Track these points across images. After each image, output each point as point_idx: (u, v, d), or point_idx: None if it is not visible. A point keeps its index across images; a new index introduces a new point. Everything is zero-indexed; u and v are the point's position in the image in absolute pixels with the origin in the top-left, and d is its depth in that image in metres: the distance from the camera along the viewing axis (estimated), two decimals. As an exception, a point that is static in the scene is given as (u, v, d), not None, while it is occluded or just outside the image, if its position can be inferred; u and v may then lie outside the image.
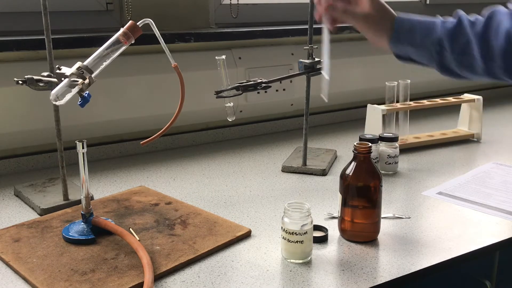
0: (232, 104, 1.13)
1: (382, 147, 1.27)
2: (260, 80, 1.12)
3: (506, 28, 0.82)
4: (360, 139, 1.21)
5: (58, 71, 0.90)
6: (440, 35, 0.89)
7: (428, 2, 2.04)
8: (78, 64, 0.89)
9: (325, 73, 0.97)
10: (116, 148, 1.39)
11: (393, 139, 1.28)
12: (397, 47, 0.93)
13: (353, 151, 0.93)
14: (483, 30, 0.85)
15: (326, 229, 0.95)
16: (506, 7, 0.86)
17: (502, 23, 0.82)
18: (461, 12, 0.90)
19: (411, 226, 0.99)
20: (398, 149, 1.28)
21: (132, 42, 0.93)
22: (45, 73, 0.97)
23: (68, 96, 0.87)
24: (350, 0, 0.95)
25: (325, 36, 0.97)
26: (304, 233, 0.84)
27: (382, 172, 1.25)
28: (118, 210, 1.04)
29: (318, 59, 1.19)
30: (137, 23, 0.93)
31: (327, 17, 0.95)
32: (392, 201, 1.11)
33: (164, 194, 1.13)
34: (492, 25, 0.84)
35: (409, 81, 1.44)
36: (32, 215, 1.04)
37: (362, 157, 0.92)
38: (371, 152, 0.92)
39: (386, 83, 1.41)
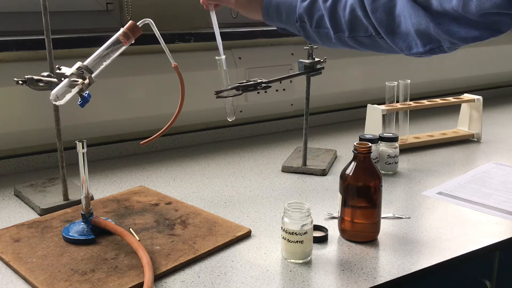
0: (231, 99, 1.13)
1: (382, 147, 1.27)
2: (260, 80, 1.12)
3: (350, 2, 0.93)
4: (360, 139, 1.21)
5: (58, 71, 0.90)
6: (300, 12, 1.01)
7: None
8: (78, 64, 0.89)
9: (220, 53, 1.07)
10: (116, 148, 1.39)
11: (393, 139, 1.28)
12: (271, 23, 1.08)
13: (353, 151, 0.93)
14: (332, 4, 0.96)
15: (326, 229, 0.95)
16: None
17: None
18: None
19: (411, 226, 0.99)
20: (398, 149, 1.28)
21: (132, 42, 0.93)
22: (45, 73, 0.97)
23: (68, 96, 0.87)
24: None
25: (213, 18, 1.12)
26: (304, 233, 0.84)
27: (382, 172, 1.25)
28: (118, 210, 1.04)
29: (318, 59, 1.19)
30: (137, 23, 0.93)
31: (205, 2, 1.12)
32: (392, 201, 1.11)
33: (164, 194, 1.13)
34: (341, 0, 0.95)
35: (409, 81, 1.44)
36: (32, 215, 1.04)
37: (362, 157, 0.92)
38: (371, 152, 0.92)
39: (386, 83, 1.41)
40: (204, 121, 1.52)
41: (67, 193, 1.09)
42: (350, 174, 0.92)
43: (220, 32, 1.47)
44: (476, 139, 1.53)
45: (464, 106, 1.56)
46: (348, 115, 1.77)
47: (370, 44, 0.95)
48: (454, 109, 1.59)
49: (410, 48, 0.89)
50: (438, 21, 0.83)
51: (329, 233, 0.95)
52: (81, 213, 0.93)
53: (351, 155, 0.94)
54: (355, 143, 0.93)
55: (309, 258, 0.87)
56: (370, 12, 0.90)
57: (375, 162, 1.15)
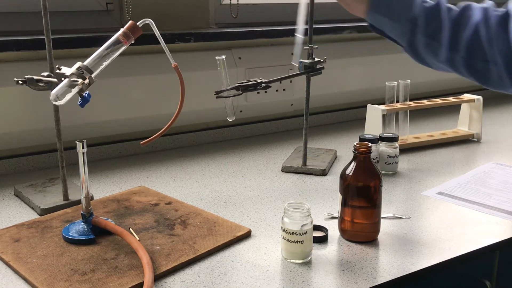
0: (231, 99, 1.13)
1: (382, 147, 1.27)
2: (260, 80, 1.12)
3: (476, 21, 0.81)
4: (360, 139, 1.21)
5: (58, 71, 0.90)
6: (417, 13, 0.87)
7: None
8: (78, 64, 0.89)
9: (299, 34, 0.98)
10: (116, 148, 1.39)
11: (393, 139, 1.28)
12: (374, 16, 0.91)
13: (353, 151, 0.93)
14: (457, 18, 0.84)
15: (326, 229, 0.95)
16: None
17: (474, 16, 0.82)
18: None
19: (411, 226, 0.99)
20: (398, 149, 1.28)
21: (132, 42, 0.93)
22: (45, 73, 0.97)
23: (68, 96, 0.87)
24: None
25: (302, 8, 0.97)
26: (304, 233, 0.84)
27: (382, 172, 1.25)
28: (118, 210, 1.04)
29: (318, 59, 1.19)
30: (137, 23, 0.93)
31: None
32: (392, 201, 1.11)
33: (164, 194, 1.13)
34: (465, 16, 0.84)
35: (409, 81, 1.44)
36: (32, 215, 1.04)
37: (362, 157, 0.92)
38: (371, 152, 0.92)
39: (386, 83, 1.41)
40: (204, 121, 1.52)
41: (67, 193, 1.09)
42: (350, 174, 0.92)
43: (220, 32, 1.48)
44: (476, 139, 1.53)
45: (464, 106, 1.56)
46: (348, 115, 1.77)
47: (482, 73, 0.84)
48: (454, 109, 1.59)
49: None
50: None
51: (329, 233, 0.95)
52: (81, 213, 0.93)
53: (351, 155, 0.94)
54: (355, 143, 0.93)
55: (309, 258, 0.87)
56: (494, 39, 0.79)
57: (375, 162, 1.15)
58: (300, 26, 0.95)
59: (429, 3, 0.87)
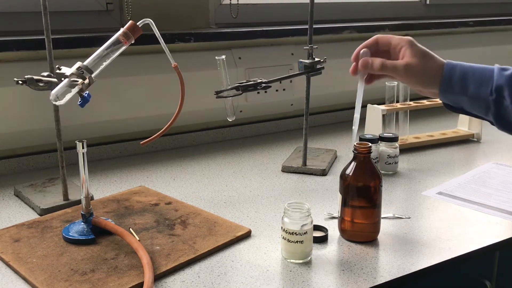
0: (231, 99, 1.13)
1: (382, 147, 1.27)
2: (260, 80, 1.12)
3: None
4: (360, 139, 1.21)
5: (58, 71, 0.90)
6: (498, 83, 0.80)
7: (428, 2, 2.04)
8: (78, 64, 0.89)
9: (355, 126, 0.91)
10: (116, 148, 1.39)
11: (393, 139, 1.28)
12: (448, 97, 0.85)
13: (353, 151, 0.93)
14: None
15: (326, 229, 0.95)
16: None
17: None
18: None
19: (411, 226, 0.99)
20: (398, 149, 1.28)
21: (132, 42, 0.93)
22: (45, 73, 0.97)
23: (68, 96, 0.87)
24: (389, 52, 0.88)
25: (360, 92, 0.92)
26: (304, 233, 0.84)
27: (382, 172, 1.25)
28: (118, 210, 1.04)
29: (318, 59, 1.19)
30: (137, 23, 0.93)
31: (363, 75, 0.90)
32: (392, 201, 1.11)
33: (164, 194, 1.13)
34: None
35: (409, 81, 1.44)
36: (32, 215, 1.04)
37: (362, 157, 0.92)
38: (371, 152, 0.92)
39: (386, 83, 1.41)
40: (204, 121, 1.52)
41: (67, 193, 1.09)
42: (350, 174, 0.92)
43: (220, 32, 1.48)
44: (476, 139, 1.53)
45: (464, 106, 1.55)
46: (348, 115, 1.77)
47: None
48: (454, 109, 1.59)
49: None
50: None
51: (329, 233, 0.95)
52: (81, 213, 0.93)
53: (351, 155, 0.94)
54: (355, 143, 0.93)
55: (309, 258, 0.87)
56: None
57: (375, 162, 1.16)
58: (357, 115, 0.91)
59: (510, 70, 0.82)
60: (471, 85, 0.82)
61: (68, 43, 1.27)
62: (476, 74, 0.83)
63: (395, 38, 0.88)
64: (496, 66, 0.84)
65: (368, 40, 0.90)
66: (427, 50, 0.87)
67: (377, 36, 0.90)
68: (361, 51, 0.90)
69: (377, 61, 0.87)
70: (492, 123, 0.87)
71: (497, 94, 0.80)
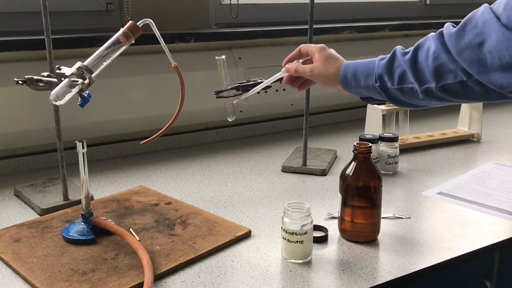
0: (231, 99, 1.13)
1: (382, 147, 1.27)
2: (260, 80, 1.12)
3: (433, 50, 0.84)
4: (360, 139, 1.21)
5: (58, 71, 0.90)
6: (379, 72, 0.92)
7: (428, 2, 2.04)
8: (78, 64, 0.89)
9: (245, 94, 1.07)
10: (116, 148, 1.39)
11: (393, 139, 1.28)
12: (350, 92, 0.98)
13: (353, 151, 0.93)
14: (413, 55, 0.87)
15: (326, 229, 0.95)
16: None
17: (431, 46, 0.85)
18: (397, 47, 0.93)
19: (411, 226, 0.99)
20: (398, 149, 1.28)
21: (132, 42, 0.93)
22: (45, 73, 0.97)
23: (68, 96, 0.87)
24: (309, 59, 1.02)
25: (273, 77, 1.06)
26: (304, 233, 0.84)
27: (382, 172, 1.25)
28: (118, 210, 1.04)
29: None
30: (137, 23, 0.93)
31: (286, 79, 1.05)
32: (392, 201, 1.11)
33: (164, 194, 1.13)
34: (422, 50, 0.87)
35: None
36: (32, 215, 1.04)
37: (362, 157, 0.92)
38: (371, 152, 0.92)
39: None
40: (204, 121, 1.52)
41: (67, 193, 1.09)
42: (350, 174, 0.92)
43: (220, 32, 1.48)
44: (476, 139, 1.53)
45: (464, 106, 1.56)
46: (348, 115, 1.77)
47: (462, 92, 0.84)
48: (454, 109, 1.59)
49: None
50: None
51: (329, 233, 0.95)
52: (81, 213, 0.93)
53: (351, 155, 0.94)
54: (355, 143, 0.93)
55: (309, 258, 0.87)
56: (456, 54, 0.80)
57: (375, 162, 1.16)
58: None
59: (386, 57, 0.92)
60: (361, 79, 0.95)
61: (68, 43, 1.27)
62: (363, 68, 0.95)
63: (311, 46, 1.01)
64: (378, 57, 0.94)
65: (294, 51, 1.04)
66: (333, 54, 1.00)
67: (300, 46, 1.04)
68: (291, 55, 1.05)
69: (293, 66, 1.02)
70: (394, 105, 0.97)
71: (380, 81, 0.92)
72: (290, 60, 1.04)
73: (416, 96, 0.89)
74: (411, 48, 0.89)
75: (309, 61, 1.02)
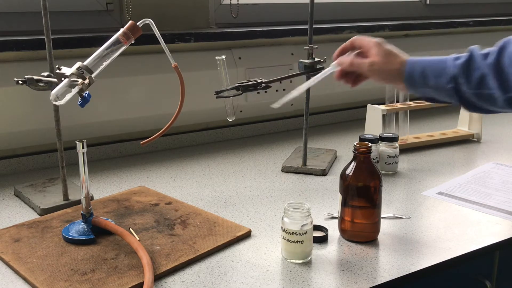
0: (231, 99, 1.13)
1: (382, 147, 1.27)
2: (260, 80, 1.12)
3: None
4: (360, 139, 1.21)
5: (58, 71, 0.90)
6: (453, 73, 0.86)
7: (428, 2, 2.04)
8: (78, 64, 0.89)
9: (295, 91, 1.00)
10: (116, 148, 1.39)
11: (393, 139, 1.28)
12: (414, 90, 0.92)
13: (353, 151, 0.93)
14: (496, 60, 0.82)
15: (326, 229, 0.95)
16: None
17: None
18: (473, 47, 0.88)
19: (411, 226, 0.99)
20: (398, 149, 1.28)
21: (132, 42, 0.93)
22: (45, 73, 0.97)
23: (68, 96, 0.87)
24: (362, 52, 0.95)
25: (324, 72, 0.99)
26: (304, 233, 0.84)
27: (382, 172, 1.25)
28: (118, 210, 1.04)
29: (318, 59, 1.19)
30: (137, 23, 0.93)
31: (338, 74, 0.98)
32: (392, 201, 1.11)
33: (164, 194, 1.13)
34: (505, 54, 0.82)
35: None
36: (32, 215, 1.04)
37: (362, 157, 0.92)
38: (371, 152, 0.92)
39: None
40: (204, 121, 1.52)
41: (67, 193, 1.09)
42: (350, 174, 0.92)
43: (220, 32, 1.48)
44: (476, 139, 1.53)
45: (464, 106, 1.55)
46: (348, 115, 1.77)
47: None
48: (454, 109, 1.59)
49: None
50: None
51: (329, 233, 0.95)
52: (81, 213, 0.93)
53: (351, 155, 0.94)
54: (355, 143, 0.93)
55: (309, 258, 0.87)
56: None
57: (375, 162, 1.15)
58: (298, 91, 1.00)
59: (462, 57, 0.87)
60: (431, 78, 0.89)
61: (68, 43, 1.27)
62: (433, 66, 0.89)
63: (366, 40, 0.96)
64: (451, 56, 0.89)
65: (346, 42, 0.98)
66: (394, 49, 0.94)
67: (353, 38, 0.98)
68: (342, 47, 0.99)
69: (348, 59, 0.95)
70: (463, 108, 0.93)
71: (454, 83, 0.87)
72: (342, 53, 0.98)
73: (495, 103, 0.84)
74: (492, 50, 0.85)
75: (361, 55, 0.96)
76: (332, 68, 0.98)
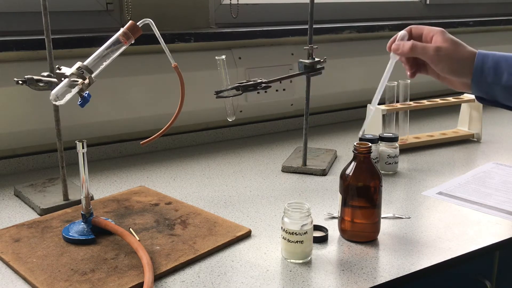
0: (231, 99, 1.12)
1: (382, 147, 1.27)
2: (260, 80, 1.12)
3: None
4: (360, 139, 1.21)
5: (58, 71, 0.90)
6: None
7: (428, 2, 2.04)
8: (78, 64, 0.89)
9: (372, 105, 0.92)
10: (116, 148, 1.39)
11: (393, 139, 1.28)
12: (481, 86, 0.83)
13: (353, 151, 0.93)
14: None
15: (326, 229, 0.95)
16: None
17: None
18: None
19: (411, 226, 0.99)
20: (398, 149, 1.28)
21: (132, 42, 0.93)
22: (45, 73, 0.97)
23: (68, 96, 0.87)
24: (422, 41, 0.88)
25: (389, 68, 0.89)
26: (304, 233, 0.84)
27: (382, 172, 1.25)
28: (118, 210, 1.04)
29: (318, 59, 1.19)
30: (137, 23, 0.93)
31: (394, 57, 0.89)
32: (392, 201, 1.11)
33: (164, 194, 1.13)
34: None
35: (409, 81, 1.44)
36: (32, 215, 1.04)
37: (362, 157, 0.92)
38: (371, 152, 0.92)
39: (387, 83, 1.41)
40: (204, 121, 1.52)
41: (67, 193, 1.09)
42: (350, 174, 0.92)
43: (220, 32, 1.48)
44: (476, 139, 1.53)
45: (464, 106, 1.56)
46: (348, 115, 1.77)
47: None
48: (454, 109, 1.59)
49: None
50: None
51: (329, 233, 0.95)
52: (81, 213, 0.93)
53: (351, 155, 0.94)
54: (355, 143, 0.93)
55: (309, 258, 0.87)
56: None
57: (375, 162, 1.16)
58: (376, 96, 0.89)
59: None
60: (505, 73, 0.79)
61: (68, 43, 1.27)
62: (509, 61, 0.80)
63: (426, 28, 0.88)
64: None
65: (400, 32, 0.89)
66: (459, 40, 0.86)
67: (410, 26, 0.90)
68: (399, 34, 0.89)
69: (408, 43, 0.86)
70: None
71: None
72: (400, 34, 0.89)
73: None
74: None
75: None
76: (392, 60, 0.89)
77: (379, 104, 1.43)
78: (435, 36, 0.85)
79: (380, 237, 0.95)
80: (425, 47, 0.84)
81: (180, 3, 1.46)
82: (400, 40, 0.88)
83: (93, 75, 0.90)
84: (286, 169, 1.28)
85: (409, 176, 1.26)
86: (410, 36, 0.89)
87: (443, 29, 0.87)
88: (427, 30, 0.87)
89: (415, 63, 0.91)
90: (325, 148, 1.43)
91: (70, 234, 0.91)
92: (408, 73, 0.91)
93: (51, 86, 0.94)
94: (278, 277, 0.82)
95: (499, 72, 0.80)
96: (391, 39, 0.90)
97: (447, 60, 0.84)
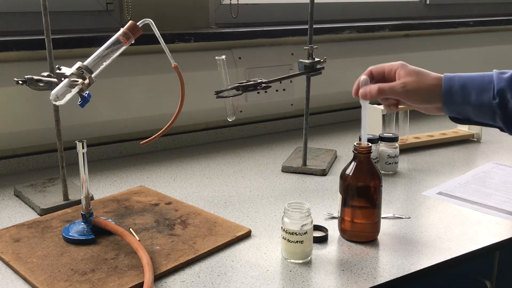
0: (231, 99, 1.12)
1: (382, 147, 1.27)
2: (260, 80, 1.12)
3: None
4: (360, 139, 1.21)
5: (58, 71, 0.90)
6: (500, 87, 0.80)
7: (428, 2, 2.04)
8: (78, 64, 0.89)
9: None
10: (116, 148, 1.39)
11: (393, 139, 1.28)
12: (452, 108, 0.86)
13: (353, 151, 0.93)
14: None
15: (326, 229, 0.95)
16: None
17: None
18: None
19: (411, 226, 0.99)
20: (398, 149, 1.28)
21: (132, 42, 0.93)
22: (45, 73, 0.97)
23: (68, 96, 0.87)
24: (385, 80, 0.90)
25: (364, 112, 0.90)
26: (304, 233, 0.84)
27: (382, 172, 1.25)
28: (118, 210, 1.04)
29: (318, 59, 1.19)
30: (137, 23, 0.93)
31: (364, 102, 0.91)
32: (392, 201, 1.11)
33: (164, 194, 1.13)
34: None
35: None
36: (32, 215, 1.04)
37: (362, 157, 0.92)
38: (371, 152, 0.92)
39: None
40: (204, 121, 1.52)
41: (67, 193, 1.09)
42: (350, 174, 0.92)
43: (220, 32, 1.48)
44: (476, 139, 1.53)
45: (464, 106, 1.55)
46: (348, 115, 1.77)
47: None
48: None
49: None
50: None
51: (329, 233, 0.95)
52: (81, 213, 0.93)
53: (351, 155, 0.94)
54: (355, 143, 0.93)
55: (309, 258, 0.87)
56: None
57: (375, 162, 1.16)
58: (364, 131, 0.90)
59: (509, 72, 0.81)
60: (472, 93, 0.82)
61: (68, 43, 1.27)
62: (475, 81, 0.83)
63: (386, 66, 0.91)
64: (494, 71, 0.84)
65: (361, 76, 0.92)
66: (420, 68, 0.89)
67: (369, 68, 0.93)
68: (361, 80, 0.91)
69: (374, 87, 0.89)
70: (502, 129, 0.87)
71: (500, 98, 0.80)
72: (362, 79, 0.91)
73: None
74: None
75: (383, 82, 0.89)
76: (364, 104, 0.90)
77: (379, 104, 1.44)
78: (398, 70, 0.88)
79: (380, 237, 0.95)
80: (392, 86, 0.87)
81: (180, 3, 1.46)
82: (363, 85, 0.91)
83: (93, 75, 0.90)
84: (286, 169, 1.28)
85: (409, 176, 1.26)
86: (372, 77, 0.92)
87: (402, 62, 0.90)
88: (388, 67, 0.90)
89: (388, 98, 0.92)
90: (325, 148, 1.43)
91: (70, 234, 0.91)
92: (387, 109, 0.94)
93: (51, 86, 0.94)
94: (278, 277, 0.82)
95: (467, 93, 0.83)
96: (355, 84, 0.92)
97: (415, 92, 0.86)
